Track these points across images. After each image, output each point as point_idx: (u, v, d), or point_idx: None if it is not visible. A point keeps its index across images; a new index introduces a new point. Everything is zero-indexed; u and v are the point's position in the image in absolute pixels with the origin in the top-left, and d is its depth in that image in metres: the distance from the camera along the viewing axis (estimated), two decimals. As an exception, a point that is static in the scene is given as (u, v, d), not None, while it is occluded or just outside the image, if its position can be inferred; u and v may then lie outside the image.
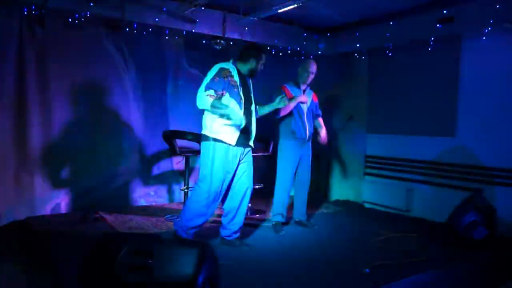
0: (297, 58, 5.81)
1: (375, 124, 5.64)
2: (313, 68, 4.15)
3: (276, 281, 2.86)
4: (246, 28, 5.09)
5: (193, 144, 4.89)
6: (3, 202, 4.09)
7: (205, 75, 3.40)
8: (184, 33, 4.88)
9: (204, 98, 3.25)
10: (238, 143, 3.39)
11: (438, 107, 4.87)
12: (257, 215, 4.72)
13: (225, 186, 3.43)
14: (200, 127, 3.49)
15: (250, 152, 3.60)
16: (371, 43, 5.30)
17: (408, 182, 5.18)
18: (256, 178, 5.01)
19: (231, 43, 5.08)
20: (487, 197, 4.03)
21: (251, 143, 3.55)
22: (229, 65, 3.44)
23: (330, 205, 5.56)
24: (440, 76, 4.86)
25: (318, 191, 5.82)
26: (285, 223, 4.26)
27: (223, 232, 3.59)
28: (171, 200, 5.30)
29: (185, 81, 5.27)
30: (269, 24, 5.30)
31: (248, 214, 4.65)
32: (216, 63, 3.45)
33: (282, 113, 4.07)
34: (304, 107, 4.17)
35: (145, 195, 5.11)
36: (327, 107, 6.02)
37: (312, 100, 4.29)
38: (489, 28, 4.22)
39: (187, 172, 4.62)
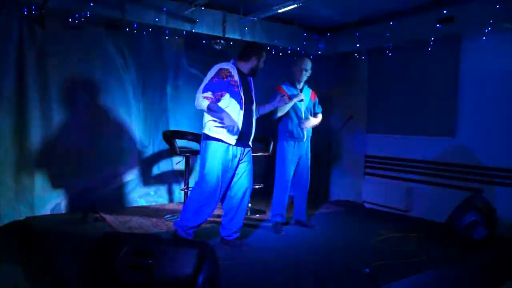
0: (297, 58, 5.80)
1: (375, 124, 5.64)
2: (306, 65, 4.12)
3: (276, 281, 2.86)
4: (246, 28, 5.09)
5: (193, 144, 4.90)
6: (3, 202, 4.09)
7: (205, 75, 3.41)
8: (184, 33, 4.87)
9: (201, 100, 3.28)
10: (237, 143, 3.40)
11: (438, 107, 4.87)
12: (257, 215, 4.72)
13: (224, 186, 3.44)
14: (201, 127, 3.49)
15: (250, 152, 3.60)
16: (371, 43, 5.30)
17: (408, 182, 5.18)
18: (256, 178, 5.01)
19: (231, 43, 5.08)
20: (487, 197, 4.03)
21: (250, 143, 3.55)
22: (229, 65, 3.44)
23: (330, 205, 5.56)
24: (440, 76, 4.86)
25: (318, 191, 5.81)
26: (285, 223, 4.26)
27: (223, 232, 3.59)
28: (171, 200, 5.30)
29: (185, 81, 5.27)
30: (269, 24, 5.30)
31: (248, 214, 4.66)
32: (216, 63, 3.46)
33: (279, 114, 4.06)
34: (302, 107, 4.15)
35: (145, 195, 5.11)
36: (327, 107, 6.01)
37: (310, 98, 4.27)
38: (489, 28, 4.22)
39: (187, 172, 4.62)
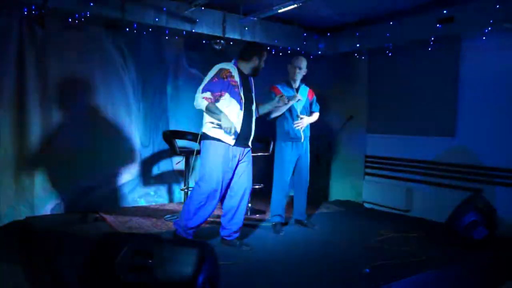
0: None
1: (375, 124, 5.64)
2: (300, 63, 4.11)
3: (276, 281, 2.86)
4: (246, 28, 5.09)
5: (193, 144, 4.89)
6: (3, 202, 4.09)
7: (205, 75, 3.41)
8: (184, 33, 4.87)
9: (200, 100, 3.29)
10: (237, 143, 3.40)
11: (438, 107, 4.87)
12: (257, 215, 4.72)
13: (224, 186, 3.44)
14: (200, 126, 3.49)
15: (250, 152, 3.60)
16: (371, 43, 5.30)
17: (408, 182, 5.18)
18: (256, 178, 5.01)
19: (231, 43, 5.08)
20: (487, 197, 4.03)
21: (250, 143, 3.55)
22: (229, 65, 3.45)
23: (330, 205, 5.56)
24: (440, 76, 4.86)
25: (318, 191, 5.81)
26: (285, 224, 4.26)
27: (223, 232, 3.59)
28: (171, 200, 5.30)
29: (185, 81, 5.27)
30: (269, 24, 5.30)
31: (248, 214, 4.66)
32: (216, 63, 3.46)
33: (273, 115, 4.06)
34: (298, 107, 4.14)
35: (145, 195, 5.11)
36: (327, 107, 6.02)
37: (307, 97, 4.26)
38: (489, 28, 4.22)
39: (187, 172, 4.62)
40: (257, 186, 4.90)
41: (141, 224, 4.20)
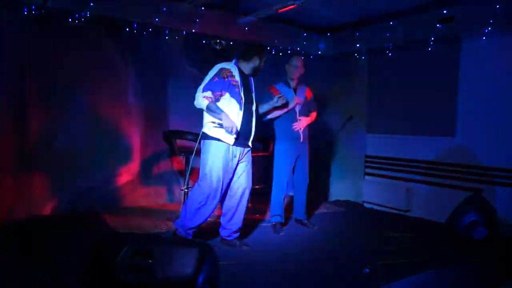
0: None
1: (375, 124, 5.64)
2: (297, 62, 4.12)
3: (276, 281, 2.86)
4: (246, 28, 5.09)
5: (193, 144, 4.88)
6: (3, 202, 4.09)
7: (205, 75, 3.41)
8: (184, 33, 4.88)
9: (201, 99, 3.29)
10: (237, 143, 3.40)
11: (438, 107, 4.87)
12: (257, 215, 4.72)
13: (224, 186, 3.43)
14: (201, 126, 3.49)
15: (250, 152, 3.60)
16: (371, 43, 5.30)
17: (408, 182, 5.18)
18: (256, 178, 5.01)
19: (231, 43, 5.08)
20: (487, 197, 4.03)
21: (250, 143, 3.55)
22: (230, 65, 3.45)
23: (330, 205, 5.56)
24: (440, 76, 4.86)
25: (318, 191, 5.82)
26: (284, 224, 4.27)
27: (223, 232, 3.59)
28: (171, 200, 5.30)
29: (185, 81, 5.26)
30: (269, 24, 5.30)
31: (248, 214, 4.65)
32: (216, 63, 3.46)
33: (270, 116, 4.06)
34: (296, 107, 4.14)
35: (145, 195, 5.11)
36: (327, 107, 6.03)
37: (306, 96, 4.25)
38: (489, 28, 4.22)
39: (187, 172, 4.62)
40: (257, 186, 4.89)
41: (141, 224, 4.19)
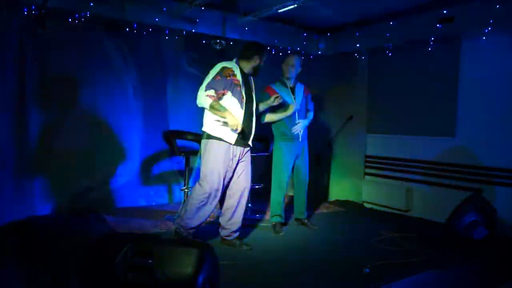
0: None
1: (375, 124, 5.64)
2: (292, 61, 4.11)
3: (275, 281, 2.86)
4: (246, 28, 5.09)
5: (193, 144, 4.89)
6: (3, 202, 4.09)
7: (205, 75, 3.41)
8: (184, 33, 4.87)
9: (204, 97, 3.27)
10: (238, 142, 3.40)
11: (438, 107, 4.87)
12: (257, 215, 4.72)
13: (224, 185, 3.43)
14: (201, 126, 3.48)
15: (249, 151, 3.60)
16: (371, 43, 5.30)
17: (408, 182, 5.18)
18: (256, 178, 5.02)
19: (231, 43, 5.08)
20: (487, 197, 4.03)
21: (250, 142, 3.55)
22: (232, 64, 3.45)
23: (330, 205, 5.56)
24: (440, 76, 4.85)
25: (318, 191, 5.82)
26: (284, 224, 4.26)
27: (222, 232, 3.59)
28: (171, 200, 5.30)
29: (185, 81, 5.27)
30: (269, 24, 5.30)
31: (248, 214, 4.65)
32: (216, 63, 3.46)
33: (267, 120, 4.06)
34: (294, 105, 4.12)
35: (145, 195, 5.11)
36: (327, 107, 6.03)
37: (303, 94, 4.24)
38: (489, 28, 4.22)
39: (187, 172, 4.62)
40: (257, 186, 4.90)
41: (141, 224, 4.19)
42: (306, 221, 4.34)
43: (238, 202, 3.53)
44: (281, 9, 4.45)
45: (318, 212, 5.08)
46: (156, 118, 5.13)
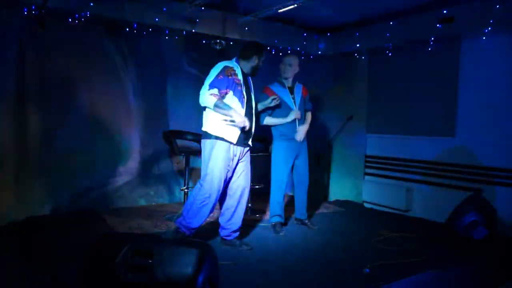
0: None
1: (375, 124, 5.64)
2: (290, 60, 4.10)
3: (275, 281, 2.86)
4: (246, 28, 5.09)
5: (193, 144, 4.90)
6: (3, 202, 4.09)
7: (205, 75, 3.40)
8: (184, 33, 4.88)
9: (208, 96, 3.25)
10: (238, 142, 3.39)
11: (438, 107, 4.87)
12: (257, 215, 4.72)
13: (224, 185, 3.43)
14: (201, 126, 3.48)
15: (249, 151, 3.60)
16: (371, 43, 5.30)
17: (408, 182, 5.18)
18: (256, 178, 5.02)
19: (231, 43, 5.08)
20: (487, 197, 4.03)
21: (250, 142, 3.55)
22: (233, 63, 3.45)
23: (330, 205, 5.56)
24: (440, 76, 4.86)
25: (318, 191, 5.82)
26: (284, 224, 4.26)
27: (222, 232, 3.58)
28: (171, 200, 5.30)
29: (185, 81, 5.27)
30: (269, 24, 5.30)
31: (248, 214, 4.66)
32: (216, 62, 3.45)
33: (265, 123, 4.06)
34: (293, 107, 4.12)
35: (145, 195, 5.11)
36: (327, 107, 6.03)
37: (302, 94, 4.23)
38: (489, 28, 4.22)
39: (187, 172, 4.62)
40: (257, 186, 4.90)
41: (141, 224, 4.19)
42: (306, 221, 4.34)
43: (238, 202, 3.52)
44: (281, 9, 4.45)
45: (318, 212, 5.08)
46: (156, 118, 5.13)
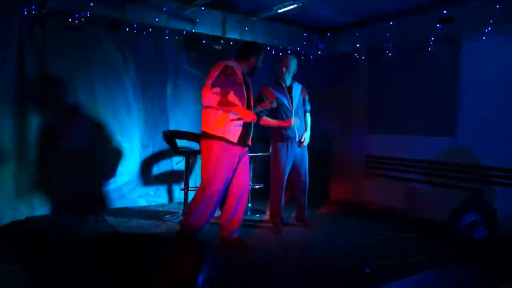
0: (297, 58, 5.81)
1: (375, 124, 5.64)
2: (286, 63, 4.08)
3: (275, 281, 2.86)
4: (246, 28, 5.09)
5: (193, 144, 4.90)
6: (3, 202, 4.09)
7: (205, 75, 3.40)
8: (184, 33, 4.88)
9: (211, 95, 3.23)
10: (238, 142, 3.39)
11: (438, 107, 4.87)
12: (257, 215, 4.72)
13: (225, 185, 3.43)
14: (200, 126, 3.48)
15: (248, 151, 3.59)
16: (371, 43, 5.30)
17: (408, 182, 5.18)
18: (256, 178, 5.02)
19: (231, 43, 5.08)
20: (487, 197, 4.03)
21: (249, 142, 3.55)
22: (233, 63, 3.44)
23: (330, 205, 5.56)
24: (440, 76, 4.86)
25: (318, 191, 5.81)
26: (284, 224, 4.26)
27: (222, 232, 3.58)
28: (171, 200, 5.30)
29: (185, 81, 5.27)
30: (269, 24, 5.30)
31: (248, 214, 4.66)
32: (216, 62, 3.45)
33: (262, 123, 4.06)
34: (292, 108, 4.11)
35: (145, 195, 5.11)
36: (327, 107, 6.02)
37: (301, 94, 4.22)
38: (489, 28, 4.22)
39: (187, 172, 4.62)
40: (257, 186, 4.90)
41: (141, 224, 4.20)
42: (306, 221, 4.34)
43: (238, 202, 3.52)
44: (281, 9, 4.45)
45: (318, 212, 5.08)
46: (156, 118, 5.13)
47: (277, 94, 4.04)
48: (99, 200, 4.72)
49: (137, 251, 2.16)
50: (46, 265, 2.99)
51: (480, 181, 4.47)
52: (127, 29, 4.66)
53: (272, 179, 4.18)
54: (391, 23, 4.95)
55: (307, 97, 4.32)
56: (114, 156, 4.84)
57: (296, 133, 4.11)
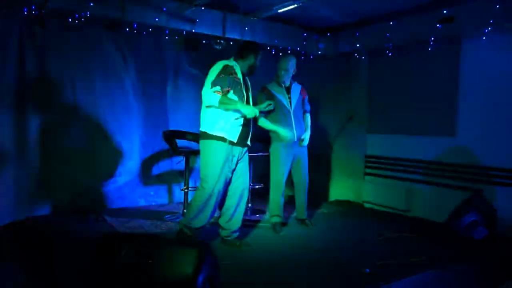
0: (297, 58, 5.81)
1: (375, 124, 5.64)
2: (285, 64, 4.07)
3: (275, 281, 2.86)
4: (246, 28, 5.09)
5: (193, 144, 4.90)
6: (3, 202, 4.09)
7: (205, 75, 3.40)
8: (184, 33, 4.87)
9: (212, 95, 3.24)
10: (237, 142, 3.39)
11: (438, 107, 4.87)
12: (257, 215, 4.72)
13: (224, 186, 3.43)
14: (199, 126, 3.48)
15: (247, 152, 3.59)
16: (371, 43, 5.30)
17: (408, 182, 5.18)
18: (256, 178, 5.02)
19: (231, 43, 5.08)
20: (487, 197, 4.03)
21: (249, 142, 3.55)
22: (232, 62, 3.45)
23: (330, 205, 5.56)
24: (440, 76, 4.85)
25: (318, 191, 5.81)
26: (284, 224, 4.26)
27: (222, 233, 3.59)
28: (171, 200, 5.30)
29: (185, 81, 5.27)
30: (269, 24, 5.29)
31: (248, 214, 4.66)
32: (216, 62, 3.45)
33: (260, 124, 4.05)
34: (290, 108, 4.11)
35: (145, 195, 5.11)
36: (327, 107, 6.02)
37: (300, 94, 4.22)
38: (489, 28, 4.22)
39: (187, 172, 4.62)
40: (257, 186, 4.90)
41: (141, 224, 4.20)
42: (306, 221, 4.34)
43: (238, 202, 3.52)
44: (281, 9, 4.45)
45: (318, 212, 5.08)
46: (156, 118, 5.13)
47: (275, 94, 4.04)
48: (99, 200, 4.72)
49: (137, 251, 2.16)
50: (46, 265, 2.99)
51: (480, 181, 4.47)
52: (127, 29, 4.66)
53: (271, 179, 4.18)
54: (391, 23, 4.95)
55: (307, 97, 4.32)
56: (114, 156, 4.84)
57: (295, 133, 4.11)
